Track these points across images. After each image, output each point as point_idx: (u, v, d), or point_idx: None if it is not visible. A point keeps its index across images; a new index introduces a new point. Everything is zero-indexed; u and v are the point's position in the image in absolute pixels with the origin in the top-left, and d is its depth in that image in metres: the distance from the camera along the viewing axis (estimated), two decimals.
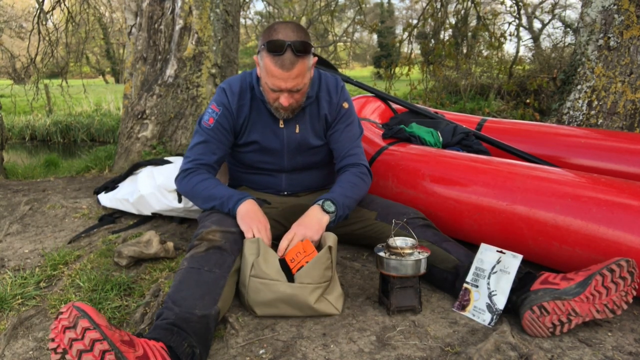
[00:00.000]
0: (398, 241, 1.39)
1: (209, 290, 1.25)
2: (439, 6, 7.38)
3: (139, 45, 3.19)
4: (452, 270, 1.47)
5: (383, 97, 2.67)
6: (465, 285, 1.40)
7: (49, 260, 1.73)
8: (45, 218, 2.28)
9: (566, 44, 9.62)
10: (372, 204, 1.70)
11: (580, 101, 3.50)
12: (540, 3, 14.01)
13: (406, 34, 7.78)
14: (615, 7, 3.30)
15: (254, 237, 1.42)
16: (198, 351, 1.11)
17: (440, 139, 2.25)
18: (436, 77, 8.20)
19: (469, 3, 7.30)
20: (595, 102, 3.41)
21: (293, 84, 1.46)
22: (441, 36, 8.23)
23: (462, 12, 7.89)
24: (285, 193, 1.77)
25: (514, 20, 9.86)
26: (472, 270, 1.40)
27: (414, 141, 2.19)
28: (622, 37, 3.27)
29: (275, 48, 1.41)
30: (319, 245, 1.45)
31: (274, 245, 1.46)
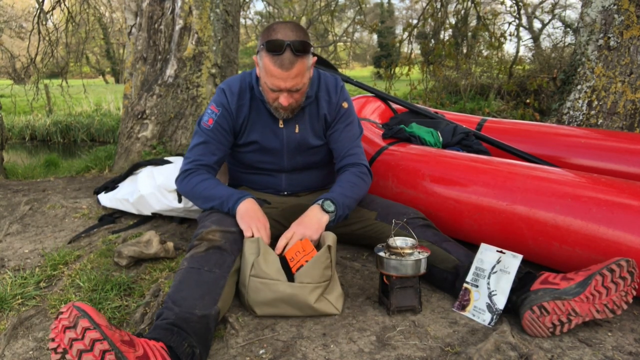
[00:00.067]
0: (398, 241, 1.39)
1: (209, 290, 1.25)
2: (439, 6, 7.39)
3: (139, 45, 3.19)
4: (452, 270, 1.47)
5: (383, 97, 2.67)
6: (465, 285, 1.40)
7: (49, 260, 1.73)
8: (45, 218, 2.28)
9: (566, 44, 9.62)
10: (372, 204, 1.70)
11: (580, 101, 3.50)
12: (540, 3, 14.02)
13: (406, 34, 7.78)
14: (615, 7, 3.30)
15: (253, 236, 1.42)
16: (198, 351, 1.11)
17: (440, 139, 2.25)
18: (436, 77, 8.20)
19: (469, 3, 7.30)
20: (595, 102, 3.41)
21: (292, 84, 1.46)
22: (441, 36, 8.23)
23: (462, 12, 7.89)
24: (285, 193, 1.77)
25: (514, 20, 9.87)
26: (472, 270, 1.40)
27: (414, 141, 2.19)
28: (622, 37, 3.27)
29: (274, 48, 1.41)
30: (318, 245, 1.45)
31: (274, 245, 1.46)
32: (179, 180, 1.65)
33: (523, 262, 1.35)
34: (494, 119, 2.65)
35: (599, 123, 3.38)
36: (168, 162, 2.21)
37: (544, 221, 1.51)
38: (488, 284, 1.35)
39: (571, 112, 3.56)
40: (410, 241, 1.41)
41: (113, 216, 2.24)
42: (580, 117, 3.49)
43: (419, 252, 1.36)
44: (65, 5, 7.41)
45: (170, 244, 1.78)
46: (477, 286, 1.38)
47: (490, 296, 1.34)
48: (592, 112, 3.42)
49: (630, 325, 1.33)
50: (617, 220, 1.38)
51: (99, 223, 2.16)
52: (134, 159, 3.18)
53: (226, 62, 3.34)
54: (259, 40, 1.49)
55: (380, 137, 2.20)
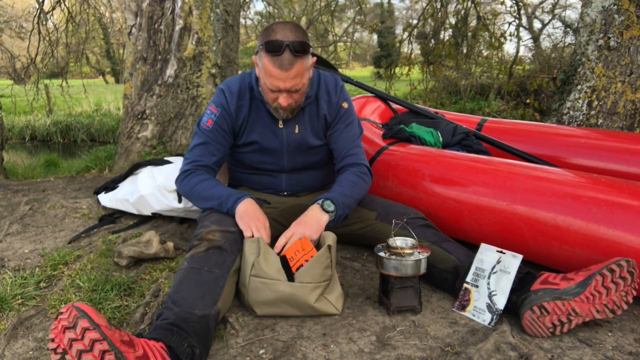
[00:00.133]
0: (398, 241, 1.39)
1: (209, 290, 1.25)
2: (439, 6, 7.39)
3: (139, 45, 3.19)
4: (452, 270, 1.47)
5: (383, 97, 2.67)
6: (465, 285, 1.40)
7: (49, 260, 1.73)
8: (45, 218, 2.28)
9: (566, 44, 9.62)
10: (372, 204, 1.70)
11: (580, 101, 3.50)
12: (540, 3, 14.01)
13: (406, 34, 7.78)
14: (615, 7, 3.30)
15: (252, 236, 1.42)
16: (198, 351, 1.11)
17: (440, 139, 2.25)
18: (436, 77, 8.20)
19: (469, 3, 7.30)
20: (595, 102, 3.41)
21: (292, 84, 1.46)
22: (441, 36, 8.23)
23: (462, 12, 7.89)
24: (285, 193, 1.77)
25: (514, 20, 9.87)
26: (472, 270, 1.40)
27: (414, 141, 2.19)
28: (622, 37, 3.27)
29: (273, 48, 1.41)
30: (318, 245, 1.45)
31: (273, 244, 1.46)
32: (178, 180, 1.66)
33: (523, 262, 1.35)
34: (494, 119, 2.65)
35: (599, 123, 3.38)
36: (168, 162, 2.21)
37: (544, 221, 1.51)
38: (488, 284, 1.35)
39: (571, 112, 3.56)
40: (410, 241, 1.41)
41: (113, 216, 2.24)
42: (580, 117, 3.49)
43: (419, 252, 1.36)
44: (65, 5, 7.42)
45: (170, 244, 1.78)
46: (477, 286, 1.38)
47: (490, 296, 1.34)
48: (592, 112, 3.42)
49: (630, 325, 1.33)
50: (617, 220, 1.38)
51: (99, 223, 2.16)
52: (134, 159, 3.18)
53: (226, 62, 3.35)
54: (258, 41, 1.49)
55: (380, 137, 2.20)
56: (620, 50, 3.29)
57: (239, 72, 2.97)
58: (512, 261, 1.34)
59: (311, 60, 1.52)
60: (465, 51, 8.52)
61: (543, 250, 1.53)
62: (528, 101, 6.90)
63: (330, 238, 1.39)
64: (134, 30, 3.21)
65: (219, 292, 1.26)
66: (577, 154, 2.14)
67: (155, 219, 2.20)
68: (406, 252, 1.35)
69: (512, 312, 1.33)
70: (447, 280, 1.48)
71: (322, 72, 1.72)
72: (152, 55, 3.18)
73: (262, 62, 1.46)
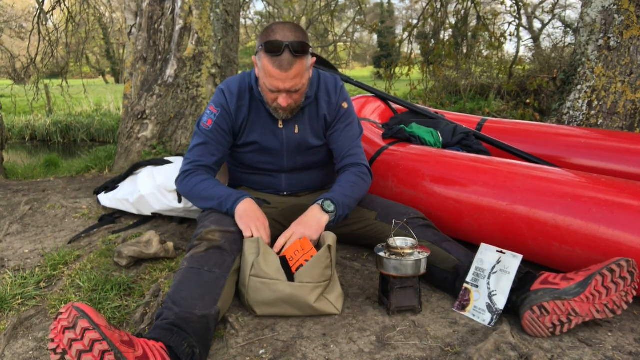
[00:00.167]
0: (398, 241, 1.39)
1: (209, 290, 1.25)
2: (439, 6, 7.39)
3: (139, 45, 3.19)
4: (452, 270, 1.47)
5: (383, 97, 2.67)
6: (465, 285, 1.40)
7: (49, 260, 1.73)
8: (45, 218, 2.28)
9: (566, 44, 9.62)
10: (372, 204, 1.70)
11: (580, 101, 3.50)
12: (540, 3, 14.01)
13: (406, 34, 7.78)
14: (615, 7, 3.30)
15: (252, 236, 1.42)
16: (198, 351, 1.11)
17: (440, 139, 2.25)
18: (436, 77, 8.20)
19: (469, 3, 7.30)
20: (595, 102, 3.41)
21: (291, 85, 1.46)
22: (441, 36, 8.23)
23: (462, 12, 7.89)
24: (285, 193, 1.77)
25: (514, 20, 9.87)
26: (472, 270, 1.40)
27: (414, 141, 2.19)
28: (622, 37, 3.27)
29: (273, 49, 1.40)
30: (318, 245, 1.45)
31: (273, 244, 1.45)
32: (178, 181, 1.66)
33: (523, 262, 1.35)
34: (494, 119, 2.65)
35: (599, 123, 3.38)
36: (168, 162, 2.21)
37: (544, 221, 1.51)
38: (488, 284, 1.35)
39: (571, 112, 3.56)
40: (410, 241, 1.41)
41: (113, 216, 2.24)
42: (580, 117, 3.49)
43: (419, 252, 1.36)
44: (65, 5, 7.42)
45: (170, 244, 1.78)
46: (477, 286, 1.38)
47: (490, 296, 1.34)
48: (592, 112, 3.42)
49: (631, 325, 1.33)
50: (617, 220, 1.38)
51: (99, 223, 2.16)
52: (134, 159, 3.18)
53: (226, 62, 3.35)
54: (258, 41, 1.49)
55: (380, 137, 2.20)
56: (620, 50, 3.29)
57: (239, 72, 2.97)
58: (512, 261, 1.34)
59: (311, 60, 1.52)
60: (465, 51, 8.52)
61: (543, 250, 1.53)
62: (528, 101, 6.90)
63: (330, 238, 1.39)
64: (134, 30, 3.21)
65: (219, 292, 1.26)
66: (577, 154, 2.14)
67: (155, 219, 2.20)
68: (406, 252, 1.35)
69: (512, 312, 1.33)
70: (447, 280, 1.48)
71: (322, 72, 1.72)
72: (152, 55, 3.18)
73: (262, 63, 1.46)
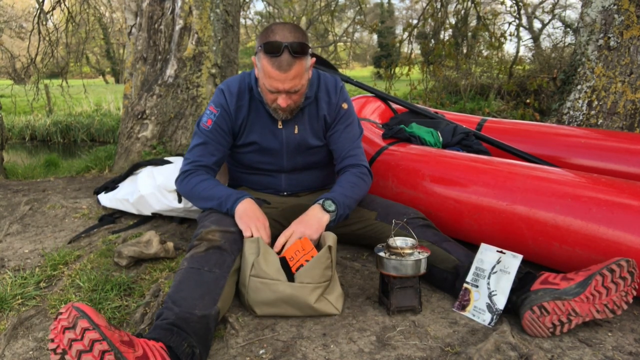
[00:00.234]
0: (398, 241, 1.39)
1: (209, 290, 1.25)
2: (439, 6, 7.39)
3: (139, 45, 3.19)
4: (452, 270, 1.47)
5: (383, 97, 2.67)
6: (465, 285, 1.40)
7: (49, 260, 1.73)
8: (45, 218, 2.28)
9: (566, 44, 9.62)
10: (372, 204, 1.70)
11: (580, 101, 3.50)
12: (540, 3, 14.01)
13: (406, 34, 7.78)
14: (615, 7, 3.30)
15: (252, 236, 1.42)
16: (198, 351, 1.11)
17: (440, 139, 2.25)
18: (436, 77, 8.20)
19: (469, 3, 7.30)
20: (595, 102, 3.41)
21: (291, 85, 1.46)
22: (441, 36, 8.23)
23: (462, 12, 7.89)
24: (285, 193, 1.77)
25: (514, 20, 9.87)
26: (472, 270, 1.40)
27: (414, 141, 2.19)
28: (622, 37, 3.27)
29: (272, 49, 1.40)
30: (318, 245, 1.45)
31: (273, 244, 1.45)
32: (178, 181, 1.66)
33: (523, 262, 1.35)
34: (494, 119, 2.65)
35: (599, 123, 3.38)
36: (168, 162, 2.21)
37: (544, 221, 1.51)
38: (488, 284, 1.35)
39: (571, 112, 3.56)
40: (410, 241, 1.41)
41: (113, 216, 2.24)
42: (580, 117, 3.49)
43: (419, 252, 1.36)
44: (65, 5, 7.42)
45: (170, 244, 1.78)
46: (477, 286, 1.38)
47: (490, 296, 1.34)
48: (592, 112, 3.42)
49: (631, 325, 1.33)
50: (617, 220, 1.38)
51: (99, 223, 2.16)
52: (134, 159, 3.18)
53: (226, 62, 3.35)
54: (257, 42, 1.49)
55: (380, 137, 2.20)
56: (620, 50, 3.29)
57: (239, 72, 2.97)
58: (512, 261, 1.34)
59: (310, 61, 1.52)
60: (465, 51, 8.52)
61: (543, 250, 1.53)
62: (528, 101, 6.90)
63: (331, 238, 1.39)
64: (134, 30, 3.21)
65: (219, 292, 1.26)
66: (577, 154, 2.14)
67: (155, 219, 2.20)
68: (406, 252, 1.35)
69: (512, 312, 1.33)
70: (447, 280, 1.48)
71: (322, 73, 1.72)
72: (152, 55, 3.18)
73: (261, 63, 1.46)
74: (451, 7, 8.03)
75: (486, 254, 1.40)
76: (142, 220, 2.18)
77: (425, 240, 1.52)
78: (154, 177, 2.08)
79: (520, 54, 10.17)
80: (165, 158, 2.30)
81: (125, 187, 2.29)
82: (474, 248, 1.48)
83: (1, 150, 3.42)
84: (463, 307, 1.39)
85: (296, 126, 1.66)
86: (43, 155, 6.83)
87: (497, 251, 1.38)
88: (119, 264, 1.70)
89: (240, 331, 1.29)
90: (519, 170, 1.68)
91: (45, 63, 7.91)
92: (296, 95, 1.53)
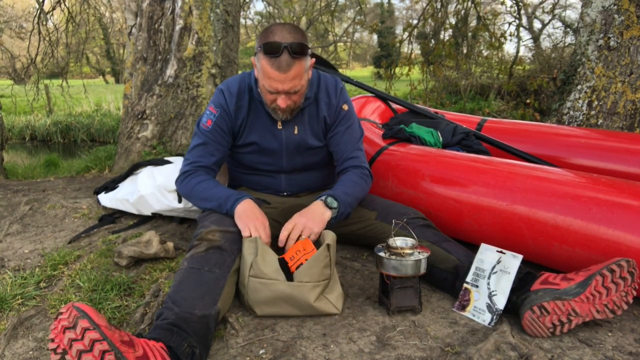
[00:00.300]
0: (398, 241, 1.39)
1: (209, 290, 1.25)
2: (439, 6, 7.39)
3: (139, 45, 3.19)
4: (452, 270, 1.47)
5: (383, 97, 2.67)
6: (465, 285, 1.40)
7: (49, 260, 1.73)
8: (45, 218, 2.28)
9: (566, 44, 9.62)
10: (372, 204, 1.70)
11: (580, 101, 3.50)
12: (540, 3, 14.01)
13: (406, 34, 7.78)
14: (615, 7, 3.30)
15: (251, 235, 1.42)
16: (198, 351, 1.11)
17: (440, 139, 2.25)
18: (436, 77, 8.20)
19: (469, 3, 7.30)
20: (595, 102, 3.41)
21: (290, 86, 1.46)
22: (441, 36, 8.23)
23: (462, 12, 7.89)
24: (285, 194, 1.77)
25: (514, 20, 9.87)
26: (472, 270, 1.40)
27: (414, 141, 2.19)
28: (622, 37, 3.27)
29: (271, 50, 1.40)
30: (318, 244, 1.45)
31: (274, 244, 1.45)
32: (178, 181, 1.66)
33: (523, 262, 1.35)
34: (494, 119, 2.65)
35: (599, 123, 3.38)
36: (168, 162, 2.21)
37: (544, 221, 1.51)
38: (488, 284, 1.35)
39: (571, 112, 3.56)
40: (410, 241, 1.41)
41: (113, 216, 2.24)
42: (580, 117, 3.49)
43: (419, 252, 1.36)
44: (65, 5, 7.42)
45: (170, 244, 1.78)
46: (477, 286, 1.38)
47: (490, 296, 1.34)
48: (592, 112, 3.42)
49: (631, 325, 1.33)
50: (617, 220, 1.38)
51: (99, 223, 2.16)
52: (134, 159, 3.18)
53: (226, 62, 3.35)
54: (257, 42, 1.49)
55: (380, 137, 2.20)
56: (620, 50, 3.29)
57: (239, 72, 2.97)
58: (512, 261, 1.34)
59: (310, 61, 1.52)
60: (465, 51, 8.52)
61: (543, 250, 1.53)
62: (528, 101, 6.90)
63: (330, 237, 1.39)
64: (134, 30, 3.21)
65: (219, 292, 1.26)
66: (577, 154, 2.14)
67: (155, 219, 2.20)
68: (406, 252, 1.35)
69: (512, 312, 1.33)
70: (447, 280, 1.48)
71: (322, 73, 1.72)
72: (152, 55, 3.18)
73: (261, 64, 1.46)
74: (451, 7, 8.03)
75: (486, 254, 1.40)
76: (142, 220, 2.18)
77: (425, 240, 1.52)
78: (154, 177, 2.08)
79: (520, 54, 10.17)
80: (165, 158, 2.29)
81: (125, 187, 2.29)
82: (474, 248, 1.48)
83: (1, 150, 3.42)
84: (463, 307, 1.39)
85: (296, 127, 1.65)
86: (43, 155, 6.83)
87: (497, 251, 1.38)
88: (119, 264, 1.70)
89: (240, 331, 1.29)
90: (519, 170, 1.68)
91: (45, 63, 7.92)
92: (296, 96, 1.53)
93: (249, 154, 1.70)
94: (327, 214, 1.48)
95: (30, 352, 1.22)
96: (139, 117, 3.20)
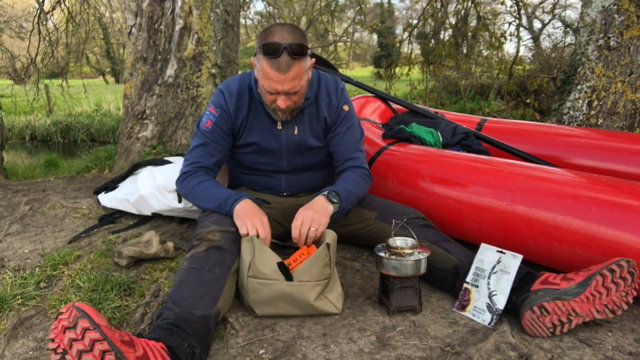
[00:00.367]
0: (398, 241, 1.39)
1: (209, 290, 1.25)
2: (439, 6, 7.39)
3: (139, 45, 3.19)
4: (452, 270, 1.47)
5: (383, 97, 2.67)
6: (465, 285, 1.40)
7: (49, 260, 1.73)
8: (45, 218, 2.28)
9: (566, 44, 9.62)
10: (372, 204, 1.70)
11: (580, 101, 3.50)
12: (540, 3, 14.01)
13: (406, 34, 7.78)
14: (615, 7, 3.30)
15: (248, 234, 1.41)
16: (198, 351, 1.11)
17: (440, 139, 2.25)
18: (436, 77, 8.20)
19: (469, 3, 7.30)
20: (595, 102, 3.41)
21: (290, 87, 1.46)
22: (441, 36, 8.23)
23: (462, 12, 7.89)
24: (285, 194, 1.77)
25: (514, 20, 9.87)
26: (472, 270, 1.40)
27: (414, 141, 2.19)
28: (622, 37, 3.27)
29: (271, 50, 1.40)
30: (318, 243, 1.45)
31: (274, 244, 1.45)
32: (178, 182, 1.66)
33: (523, 262, 1.35)
34: (494, 119, 2.65)
35: (599, 123, 3.38)
36: (168, 162, 2.21)
37: (544, 221, 1.51)
38: (488, 284, 1.35)
39: (571, 112, 3.56)
40: (410, 241, 1.41)
41: (113, 216, 2.24)
42: (580, 117, 3.49)
43: (419, 252, 1.36)
44: (65, 5, 7.42)
45: (170, 244, 1.78)
46: (477, 286, 1.38)
47: (490, 296, 1.34)
48: (592, 112, 3.42)
49: (631, 325, 1.33)
50: (617, 220, 1.38)
51: (99, 223, 2.16)
52: (134, 159, 3.18)
53: (226, 62, 3.35)
54: (256, 43, 1.49)
55: (380, 137, 2.20)
56: (620, 50, 3.29)
57: (239, 72, 2.97)
58: (512, 261, 1.34)
59: (310, 61, 1.52)
60: (465, 51, 8.52)
61: (543, 250, 1.53)
62: (528, 101, 6.90)
63: (330, 236, 1.39)
64: (134, 30, 3.21)
65: (219, 292, 1.26)
66: (577, 154, 2.14)
67: (155, 219, 2.20)
68: (406, 252, 1.35)
69: (512, 312, 1.33)
70: (447, 280, 1.48)
71: (322, 73, 1.72)
72: (152, 55, 3.18)
73: (260, 65, 1.46)
74: (451, 7, 8.03)
75: (486, 254, 1.40)
76: (142, 220, 2.18)
77: (425, 240, 1.52)
78: (154, 177, 2.08)
79: (520, 54, 10.17)
80: (165, 158, 2.30)
81: (125, 187, 2.29)
82: (474, 248, 1.48)
83: (1, 150, 3.42)
84: (463, 307, 1.39)
85: (296, 127, 1.65)
86: (43, 155, 6.83)
87: (497, 251, 1.38)
88: (119, 264, 1.70)
89: (240, 331, 1.29)
90: (519, 170, 1.68)
91: (45, 63, 7.92)
92: (296, 96, 1.53)
93: (249, 154, 1.70)
94: (330, 208, 1.49)
95: (30, 352, 1.22)
96: (139, 117, 3.20)
